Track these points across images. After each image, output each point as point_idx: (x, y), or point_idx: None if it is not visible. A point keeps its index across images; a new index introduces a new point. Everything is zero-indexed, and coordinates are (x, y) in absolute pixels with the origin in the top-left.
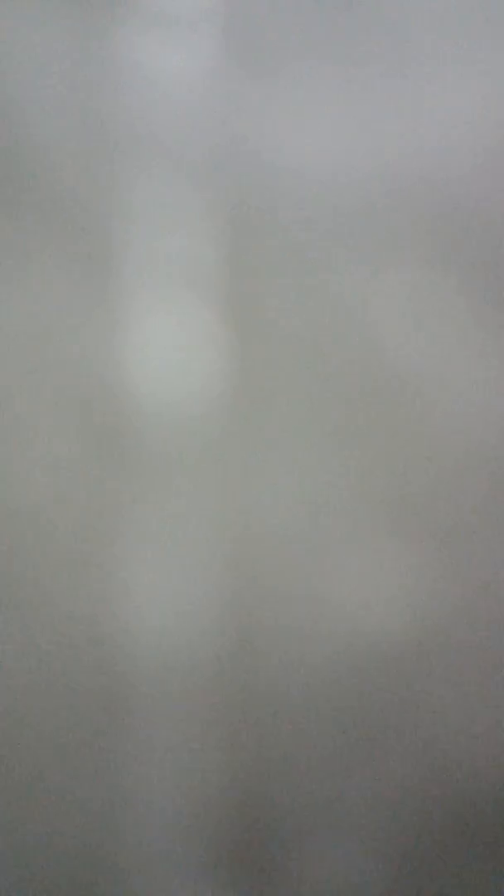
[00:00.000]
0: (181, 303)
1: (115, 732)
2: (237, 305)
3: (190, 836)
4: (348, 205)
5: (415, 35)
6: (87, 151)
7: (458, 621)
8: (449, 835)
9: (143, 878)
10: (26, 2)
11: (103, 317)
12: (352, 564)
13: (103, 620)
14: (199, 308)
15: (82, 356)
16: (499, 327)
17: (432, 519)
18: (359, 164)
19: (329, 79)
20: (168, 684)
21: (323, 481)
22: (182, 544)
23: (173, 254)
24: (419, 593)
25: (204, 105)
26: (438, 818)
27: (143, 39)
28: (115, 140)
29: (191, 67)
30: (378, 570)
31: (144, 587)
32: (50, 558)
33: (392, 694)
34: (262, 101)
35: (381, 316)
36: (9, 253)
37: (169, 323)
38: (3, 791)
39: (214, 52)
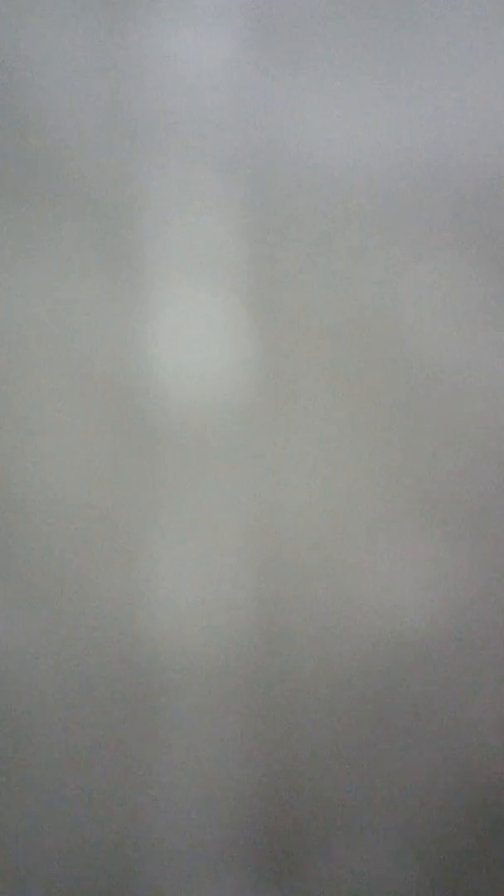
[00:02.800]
0: (207, 293)
1: (142, 727)
2: (263, 295)
3: (217, 832)
4: (375, 194)
5: (444, 22)
6: (113, 143)
7: (489, 616)
8: (478, 831)
9: (169, 874)
10: None
11: (128, 307)
12: (382, 558)
13: (130, 615)
14: (226, 298)
15: (107, 347)
16: None
17: (463, 512)
18: (386, 152)
19: (355, 68)
20: (195, 680)
21: (351, 473)
22: (208, 538)
23: (199, 244)
24: (450, 587)
25: (229, 95)
26: (468, 814)
27: (167, 30)
28: (140, 131)
29: (216, 57)
30: (408, 564)
31: (171, 581)
32: (77, 552)
33: (422, 689)
34: (288, 90)
35: (409, 305)
36: (36, 244)
37: (195, 313)
38: (29, 787)
39: (239, 41)
